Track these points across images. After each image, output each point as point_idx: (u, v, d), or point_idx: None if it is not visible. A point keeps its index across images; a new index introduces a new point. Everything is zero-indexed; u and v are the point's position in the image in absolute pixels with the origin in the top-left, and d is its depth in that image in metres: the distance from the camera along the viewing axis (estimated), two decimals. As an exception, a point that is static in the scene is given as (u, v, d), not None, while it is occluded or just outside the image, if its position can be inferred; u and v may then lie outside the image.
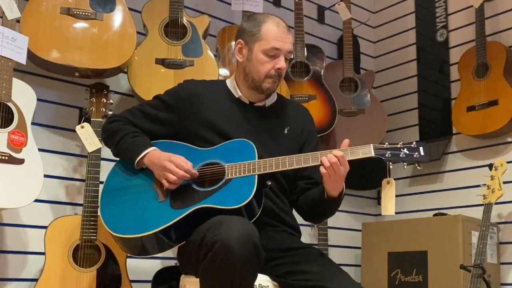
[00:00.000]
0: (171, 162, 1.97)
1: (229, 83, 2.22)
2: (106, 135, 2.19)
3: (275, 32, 2.08)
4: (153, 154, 2.04)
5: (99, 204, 2.04)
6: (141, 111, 2.18)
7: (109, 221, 1.99)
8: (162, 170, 1.99)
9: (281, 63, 2.09)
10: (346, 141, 1.95)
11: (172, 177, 1.96)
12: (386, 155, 1.93)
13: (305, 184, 2.16)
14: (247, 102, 2.18)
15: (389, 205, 2.02)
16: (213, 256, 1.70)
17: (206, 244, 1.73)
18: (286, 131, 2.18)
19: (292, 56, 3.17)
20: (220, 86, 2.23)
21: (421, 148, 1.94)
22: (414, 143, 1.96)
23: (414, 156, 1.94)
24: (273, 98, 2.23)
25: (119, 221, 1.98)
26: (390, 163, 1.94)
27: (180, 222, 1.89)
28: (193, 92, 2.16)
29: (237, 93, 2.18)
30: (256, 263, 1.74)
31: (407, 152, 1.94)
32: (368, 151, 1.92)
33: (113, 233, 1.95)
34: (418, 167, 1.98)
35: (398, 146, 1.95)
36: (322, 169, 1.90)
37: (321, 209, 2.09)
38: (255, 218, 1.90)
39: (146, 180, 2.06)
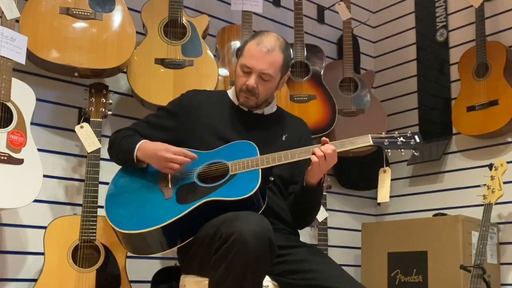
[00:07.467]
0: (168, 151, 2.01)
1: (231, 92, 2.29)
2: (108, 146, 2.23)
3: (252, 51, 2.13)
4: (145, 148, 2.07)
5: (104, 206, 2.05)
6: (146, 122, 2.25)
7: (115, 220, 2.00)
8: (162, 161, 2.01)
9: (250, 81, 2.12)
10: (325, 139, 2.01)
11: (175, 166, 2.00)
12: (384, 143, 2.03)
13: (293, 188, 2.20)
14: (246, 110, 2.23)
15: (384, 193, 2.09)
16: (228, 248, 1.71)
17: (221, 237, 1.74)
18: (284, 138, 2.23)
19: (291, 56, 3.17)
20: (222, 95, 2.30)
21: (416, 136, 2.06)
22: (410, 132, 2.08)
23: (411, 143, 2.05)
24: (272, 108, 2.29)
25: (126, 219, 1.99)
26: (388, 151, 2.04)
27: (187, 216, 1.90)
28: (195, 99, 2.23)
29: (236, 101, 2.24)
30: (269, 258, 1.76)
31: (404, 140, 2.04)
32: (366, 140, 2.02)
33: (119, 230, 1.95)
34: (415, 154, 2.09)
35: (395, 135, 2.06)
36: (314, 158, 1.96)
37: (303, 203, 2.13)
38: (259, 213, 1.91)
39: (151, 181, 2.08)
